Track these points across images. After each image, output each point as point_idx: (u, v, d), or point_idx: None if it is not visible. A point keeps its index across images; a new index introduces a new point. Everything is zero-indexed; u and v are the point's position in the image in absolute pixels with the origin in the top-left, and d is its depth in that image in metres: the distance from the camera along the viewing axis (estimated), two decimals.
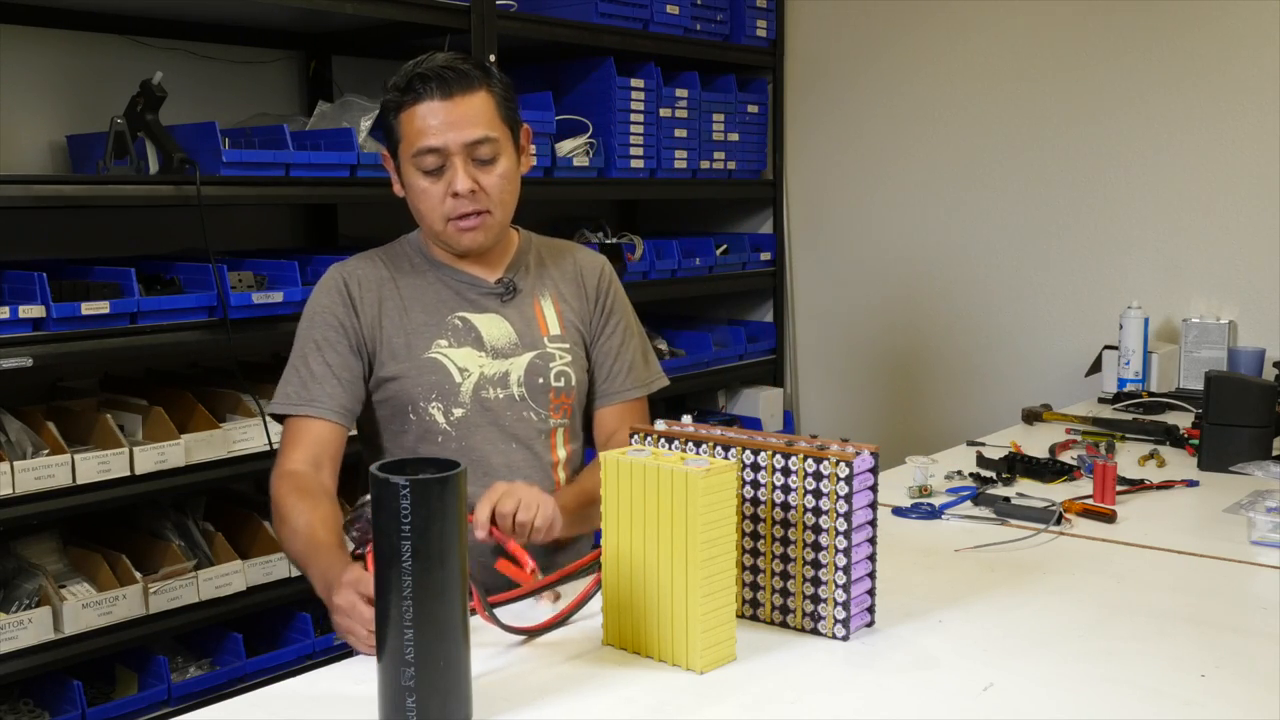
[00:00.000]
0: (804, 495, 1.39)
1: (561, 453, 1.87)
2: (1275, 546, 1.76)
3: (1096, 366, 3.14)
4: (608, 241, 3.38)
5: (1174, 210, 3.20)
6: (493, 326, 1.82)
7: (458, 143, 1.74)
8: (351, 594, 1.39)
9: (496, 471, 1.78)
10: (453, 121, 1.73)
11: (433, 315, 1.81)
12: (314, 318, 1.80)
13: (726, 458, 1.43)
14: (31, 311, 2.23)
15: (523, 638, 1.43)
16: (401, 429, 1.79)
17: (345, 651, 1.85)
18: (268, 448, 2.57)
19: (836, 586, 1.39)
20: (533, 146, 1.91)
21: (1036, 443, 2.41)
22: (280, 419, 1.80)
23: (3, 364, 2.19)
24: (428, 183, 1.76)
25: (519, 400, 1.81)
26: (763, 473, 1.42)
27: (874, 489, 1.41)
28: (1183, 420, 2.59)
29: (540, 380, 1.83)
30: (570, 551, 1.87)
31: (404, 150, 1.77)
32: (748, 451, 1.43)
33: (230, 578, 2.56)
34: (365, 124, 2.78)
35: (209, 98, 2.98)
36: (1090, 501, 1.95)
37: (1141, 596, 1.58)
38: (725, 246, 3.78)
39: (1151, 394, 2.87)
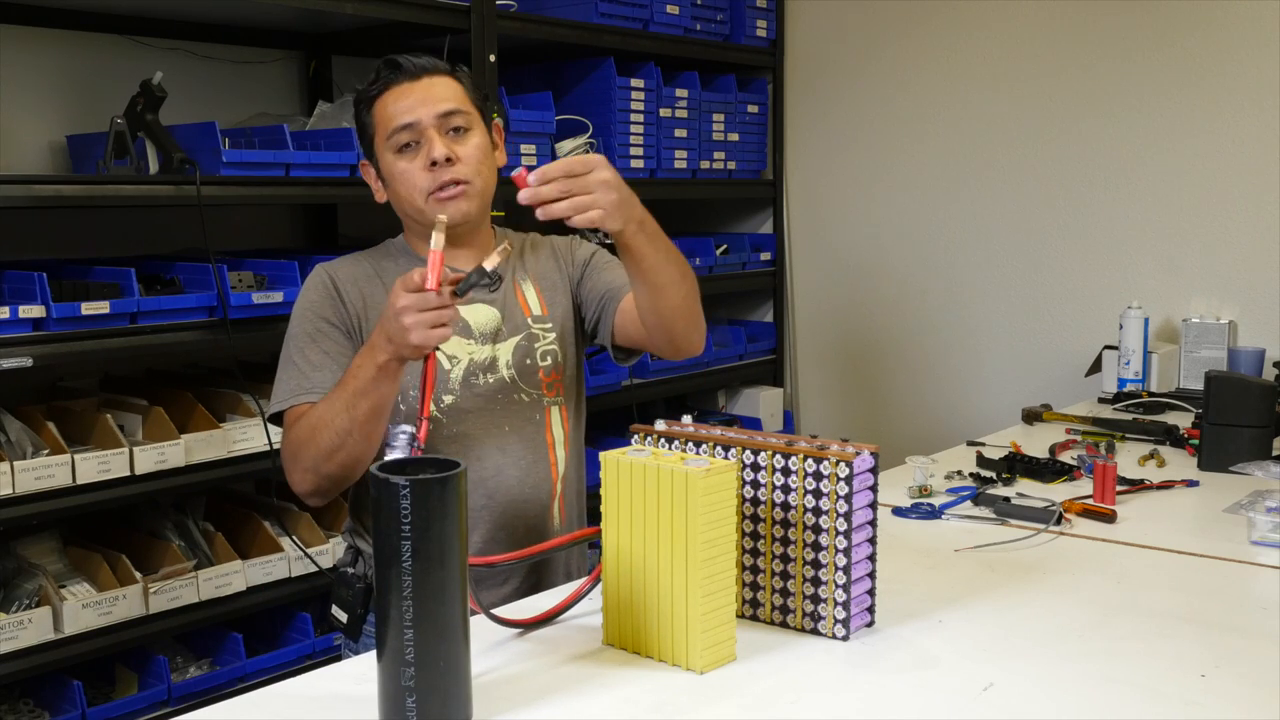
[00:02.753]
0: (804, 495, 1.39)
1: (558, 432, 1.87)
2: (1275, 546, 1.76)
3: (1096, 366, 3.14)
4: (607, 241, 3.36)
5: (1174, 210, 3.20)
6: (478, 314, 1.83)
7: (430, 115, 1.77)
8: (400, 296, 1.49)
9: (490, 455, 1.79)
10: (423, 98, 1.78)
11: None
12: (304, 314, 1.80)
13: (726, 458, 1.43)
14: (31, 311, 2.23)
15: (519, 631, 1.43)
16: (392, 419, 1.79)
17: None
18: (268, 448, 2.57)
19: (836, 586, 1.39)
20: (503, 150, 1.92)
21: (1036, 443, 2.41)
22: (280, 420, 1.78)
23: (3, 364, 2.19)
24: (405, 162, 1.78)
25: (510, 383, 1.82)
26: (763, 473, 1.42)
27: (874, 489, 1.41)
28: (1183, 420, 2.59)
29: (528, 361, 1.84)
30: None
31: (379, 139, 1.80)
32: (748, 451, 1.43)
33: (230, 578, 2.56)
34: None
35: (209, 98, 2.98)
36: (1090, 501, 1.95)
37: (1141, 596, 1.58)
38: (725, 246, 3.78)
39: (1151, 394, 2.87)
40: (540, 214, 1.51)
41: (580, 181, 1.52)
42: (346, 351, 1.76)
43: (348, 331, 1.79)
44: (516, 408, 1.82)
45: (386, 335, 1.55)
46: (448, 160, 1.76)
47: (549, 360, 1.86)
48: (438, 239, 1.49)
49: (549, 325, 1.88)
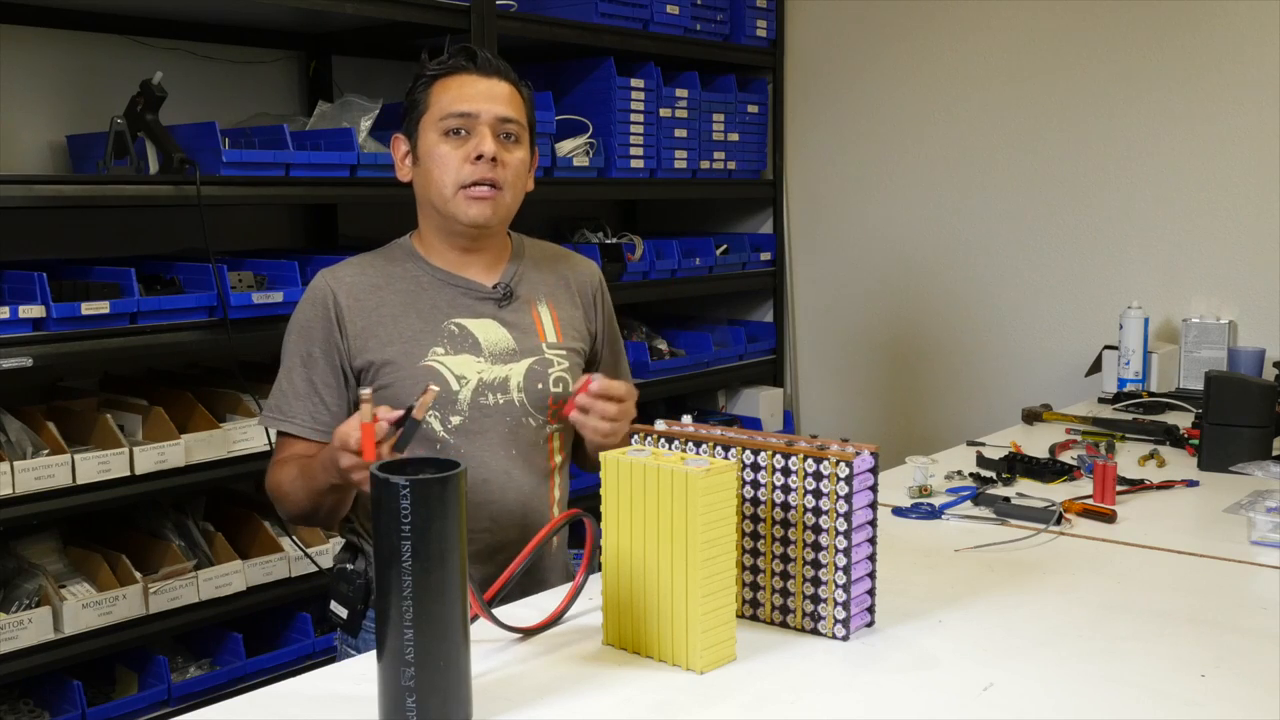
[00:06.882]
0: (804, 495, 1.39)
1: (558, 458, 1.85)
2: (1275, 546, 1.76)
3: (1096, 366, 3.14)
4: (608, 241, 3.37)
5: (1174, 210, 3.20)
6: (490, 332, 1.80)
7: (490, 114, 1.76)
8: (343, 456, 1.50)
9: (495, 478, 1.76)
10: (488, 94, 1.77)
11: (428, 322, 1.77)
12: (300, 330, 1.78)
13: (726, 458, 1.43)
14: (31, 311, 2.23)
15: (520, 636, 1.43)
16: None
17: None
18: (268, 448, 2.56)
19: (836, 586, 1.39)
20: (533, 178, 1.92)
21: (1036, 443, 2.41)
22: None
23: (3, 364, 2.19)
24: (449, 147, 1.76)
25: (519, 406, 1.79)
26: (763, 473, 1.42)
27: (874, 489, 1.41)
28: (1183, 420, 2.59)
29: (540, 386, 1.81)
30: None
31: (429, 118, 1.78)
32: (748, 451, 1.43)
33: (230, 578, 2.56)
34: (365, 124, 2.78)
35: (209, 98, 2.98)
36: (1090, 501, 1.95)
37: (1141, 596, 1.58)
38: (725, 246, 3.78)
39: (1151, 394, 2.87)
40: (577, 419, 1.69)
41: (622, 408, 1.69)
42: (331, 384, 1.76)
43: (339, 362, 1.76)
44: (523, 431, 1.80)
45: (339, 471, 1.55)
46: (493, 159, 1.75)
47: (560, 388, 1.82)
48: (365, 410, 1.47)
49: (563, 353, 1.85)
